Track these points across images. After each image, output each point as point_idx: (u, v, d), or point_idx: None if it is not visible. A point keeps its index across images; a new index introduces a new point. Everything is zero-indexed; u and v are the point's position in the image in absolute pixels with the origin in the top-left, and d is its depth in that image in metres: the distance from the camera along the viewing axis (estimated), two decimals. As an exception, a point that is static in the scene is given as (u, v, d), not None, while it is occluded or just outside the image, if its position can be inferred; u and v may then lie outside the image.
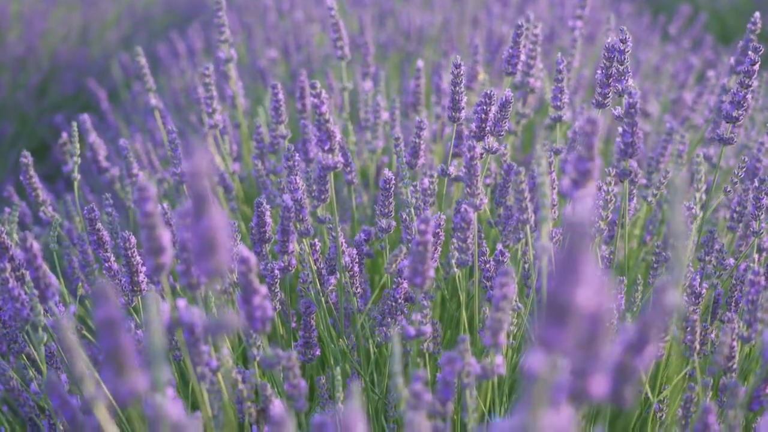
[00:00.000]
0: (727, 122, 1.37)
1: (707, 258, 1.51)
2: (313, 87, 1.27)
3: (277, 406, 0.80)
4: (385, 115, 2.05)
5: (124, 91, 3.58)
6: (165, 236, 0.96)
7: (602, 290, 0.61)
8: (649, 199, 1.68)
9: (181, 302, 1.03)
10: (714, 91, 2.23)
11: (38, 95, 4.40)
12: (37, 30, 4.65)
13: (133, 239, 1.33)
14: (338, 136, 1.29)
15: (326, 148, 1.29)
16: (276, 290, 1.43)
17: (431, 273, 1.14)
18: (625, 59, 1.43)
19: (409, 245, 1.45)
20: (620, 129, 1.27)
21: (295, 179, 1.36)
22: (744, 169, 1.48)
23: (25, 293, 1.23)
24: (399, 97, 2.34)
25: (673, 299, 0.70)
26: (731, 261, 1.45)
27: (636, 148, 1.27)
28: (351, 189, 1.80)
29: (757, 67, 1.35)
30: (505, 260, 1.43)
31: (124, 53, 3.70)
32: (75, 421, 0.97)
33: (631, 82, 1.44)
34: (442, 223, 1.39)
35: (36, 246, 1.13)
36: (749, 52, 1.34)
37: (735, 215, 1.62)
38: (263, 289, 1.05)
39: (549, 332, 0.60)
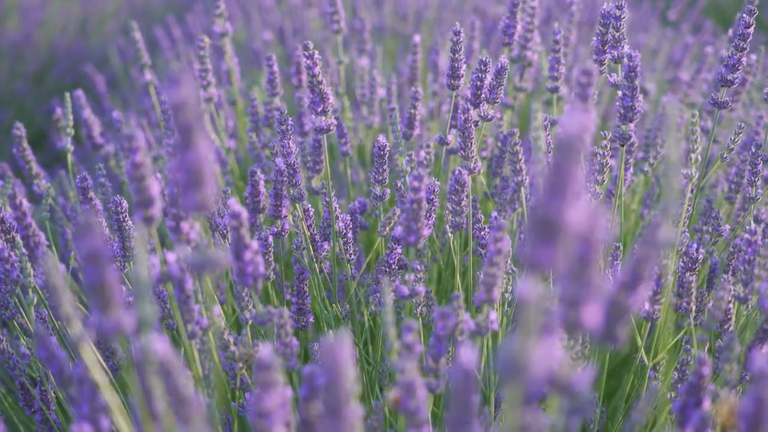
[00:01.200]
0: (723, 85, 1.35)
1: (704, 228, 1.50)
2: (305, 48, 1.26)
3: (265, 351, 0.78)
4: (381, 92, 2.04)
5: (122, 78, 3.57)
6: (154, 187, 0.94)
7: (593, 209, 0.59)
8: (646, 168, 1.67)
9: (171, 256, 1.02)
10: (712, 69, 2.22)
11: (36, 84, 4.38)
12: (34, 20, 4.64)
13: (125, 204, 1.32)
14: (331, 99, 1.28)
15: (319, 110, 1.28)
16: (270, 259, 1.42)
17: (425, 231, 1.13)
18: (620, 25, 1.42)
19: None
20: (620, 93, 1.26)
21: (288, 143, 1.35)
22: (741, 135, 1.47)
23: (15, 255, 1.22)
24: (395, 75, 2.33)
25: (666, 233, 0.69)
26: (727, 228, 1.44)
27: (635, 112, 1.25)
28: (346, 162, 1.79)
29: (751, 30, 1.33)
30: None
31: (121, 38, 3.69)
32: (62, 374, 0.96)
33: (627, 48, 1.42)
34: (436, 189, 1.37)
35: (26, 204, 1.12)
36: (744, 15, 1.33)
37: (733, 186, 1.61)
38: (254, 244, 1.04)
39: (539, 251, 0.59)
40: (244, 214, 1.02)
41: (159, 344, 0.72)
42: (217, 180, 1.95)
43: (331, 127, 1.30)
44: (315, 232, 1.43)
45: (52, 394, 1.35)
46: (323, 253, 1.43)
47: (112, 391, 0.83)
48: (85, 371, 0.84)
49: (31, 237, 1.14)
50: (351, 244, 1.43)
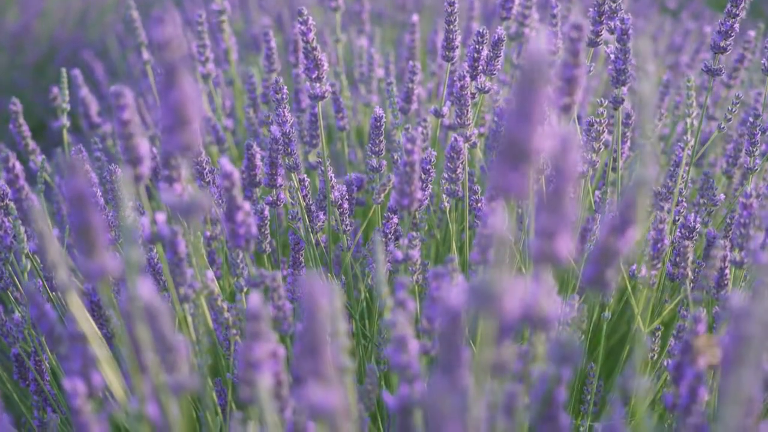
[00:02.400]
0: (715, 53, 1.35)
1: (702, 201, 1.50)
2: (300, 14, 1.25)
3: (254, 300, 0.78)
4: (380, 72, 2.03)
5: (120, 66, 3.57)
6: (143, 145, 0.94)
7: (565, 135, 0.59)
8: (643, 141, 1.66)
9: (161, 216, 1.02)
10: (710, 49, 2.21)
11: (36, 76, 4.38)
12: (34, 11, 4.64)
13: (119, 171, 1.31)
14: (325, 65, 1.27)
15: (314, 76, 1.27)
16: (266, 232, 1.42)
17: (418, 194, 1.12)
18: (618, -5, 1.41)
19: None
20: (612, 56, 1.25)
21: (284, 112, 1.34)
22: (738, 106, 1.46)
23: (9, 222, 1.21)
24: (394, 53, 2.32)
25: (649, 173, 0.69)
26: (722, 196, 1.43)
27: (628, 75, 1.25)
28: (344, 140, 1.79)
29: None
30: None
31: (120, 24, 3.69)
32: (52, 333, 0.96)
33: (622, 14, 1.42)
34: (433, 159, 1.37)
35: (18, 167, 1.11)
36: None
37: (730, 160, 1.60)
38: (247, 205, 1.03)
39: (507, 176, 0.58)
40: (236, 174, 1.02)
41: (144, 288, 0.71)
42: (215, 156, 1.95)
43: (326, 94, 1.29)
44: (311, 202, 1.43)
45: (47, 365, 1.34)
46: (319, 224, 1.42)
47: (101, 344, 0.83)
48: (74, 325, 0.84)
49: (24, 200, 1.13)
50: (347, 215, 1.43)
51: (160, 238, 0.99)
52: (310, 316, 0.64)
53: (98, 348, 0.82)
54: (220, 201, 1.42)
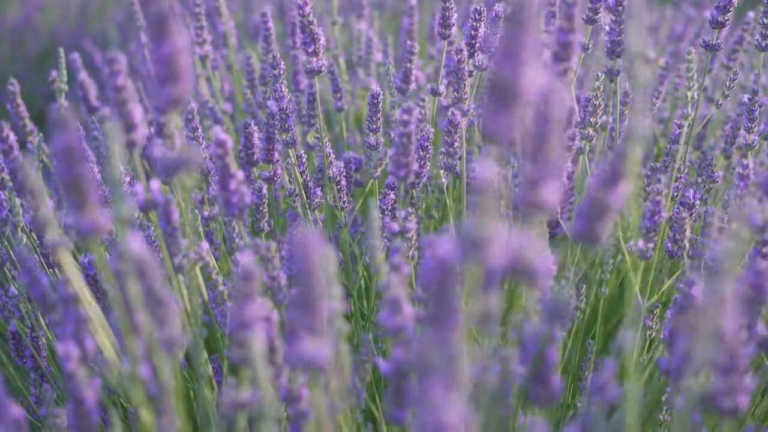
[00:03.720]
0: (714, 27, 1.35)
1: (699, 180, 1.49)
2: (295, -14, 1.25)
3: (246, 259, 0.77)
4: (378, 56, 2.03)
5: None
6: (137, 111, 0.94)
7: (550, 79, 0.58)
8: (636, 90, 1.66)
9: (155, 183, 1.01)
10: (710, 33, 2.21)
11: (37, 69, 4.39)
12: (35, 5, 4.65)
13: (107, 124, 1.31)
14: (322, 40, 1.27)
15: (310, 50, 1.27)
16: (264, 210, 1.41)
17: (415, 166, 1.12)
18: (616, -30, 1.41)
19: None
20: (607, 27, 1.25)
21: (281, 87, 1.34)
22: (735, 82, 1.45)
23: (4, 195, 1.21)
24: (393, 41, 2.32)
25: (643, 127, 0.68)
26: (720, 174, 1.43)
27: (623, 47, 1.25)
28: (342, 123, 1.79)
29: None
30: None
31: (121, 14, 3.69)
32: (45, 300, 0.96)
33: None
34: (430, 136, 1.36)
35: (12, 137, 1.11)
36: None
37: (729, 139, 1.60)
38: (240, 174, 1.03)
39: (495, 119, 0.58)
40: (229, 142, 1.02)
41: (134, 243, 0.71)
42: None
43: (322, 68, 1.29)
44: (308, 179, 1.42)
45: (43, 341, 1.34)
46: (316, 200, 1.42)
47: (93, 305, 0.82)
48: (67, 288, 0.83)
49: (19, 170, 1.13)
50: (344, 192, 1.43)
51: (155, 206, 0.99)
52: (304, 271, 0.64)
53: (90, 308, 0.82)
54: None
